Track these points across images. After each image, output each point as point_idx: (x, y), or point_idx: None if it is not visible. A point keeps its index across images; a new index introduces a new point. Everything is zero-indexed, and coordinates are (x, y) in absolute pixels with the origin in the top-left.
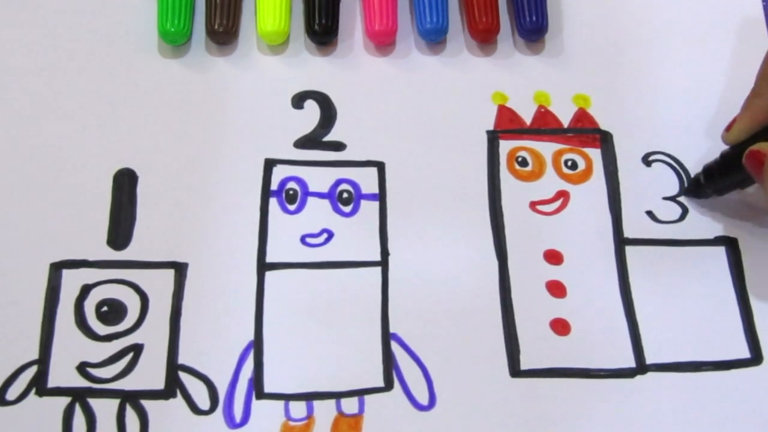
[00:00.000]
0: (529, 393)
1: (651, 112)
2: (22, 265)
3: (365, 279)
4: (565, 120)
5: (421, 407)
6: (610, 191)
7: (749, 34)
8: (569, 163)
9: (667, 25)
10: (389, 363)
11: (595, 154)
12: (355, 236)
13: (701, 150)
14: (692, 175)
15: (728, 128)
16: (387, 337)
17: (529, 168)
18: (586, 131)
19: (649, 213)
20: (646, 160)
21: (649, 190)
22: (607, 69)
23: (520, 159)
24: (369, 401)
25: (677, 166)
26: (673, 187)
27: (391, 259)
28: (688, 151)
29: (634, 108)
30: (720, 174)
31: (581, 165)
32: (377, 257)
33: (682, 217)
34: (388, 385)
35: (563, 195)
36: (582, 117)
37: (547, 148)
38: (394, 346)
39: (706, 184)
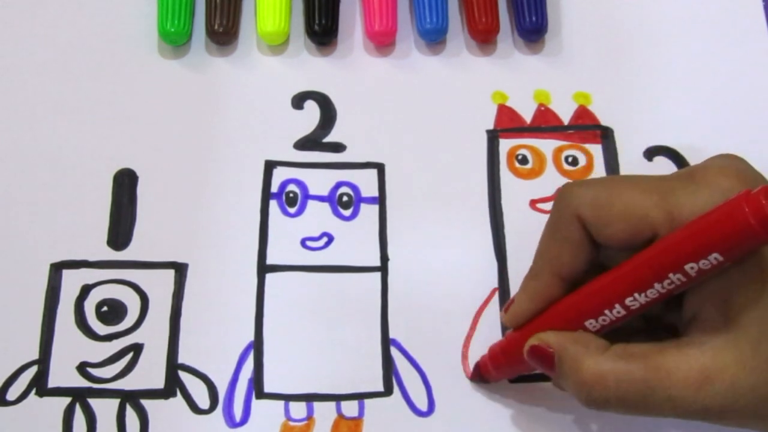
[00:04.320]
0: (528, 398)
1: (652, 108)
2: (22, 265)
3: (365, 284)
4: (566, 118)
5: (420, 413)
6: None
7: (749, 33)
8: (570, 160)
9: (667, 23)
10: (389, 368)
11: (596, 149)
12: (355, 240)
13: (702, 144)
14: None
15: (506, 308)
16: (387, 342)
17: (529, 165)
18: (586, 127)
19: None
20: (648, 155)
21: None
22: (607, 67)
23: (520, 157)
24: (369, 405)
25: (679, 161)
26: None
27: (390, 264)
28: (689, 146)
29: (635, 104)
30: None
31: (582, 161)
32: (377, 262)
33: None
34: (388, 390)
35: None
36: (583, 114)
37: (547, 145)
38: (394, 352)
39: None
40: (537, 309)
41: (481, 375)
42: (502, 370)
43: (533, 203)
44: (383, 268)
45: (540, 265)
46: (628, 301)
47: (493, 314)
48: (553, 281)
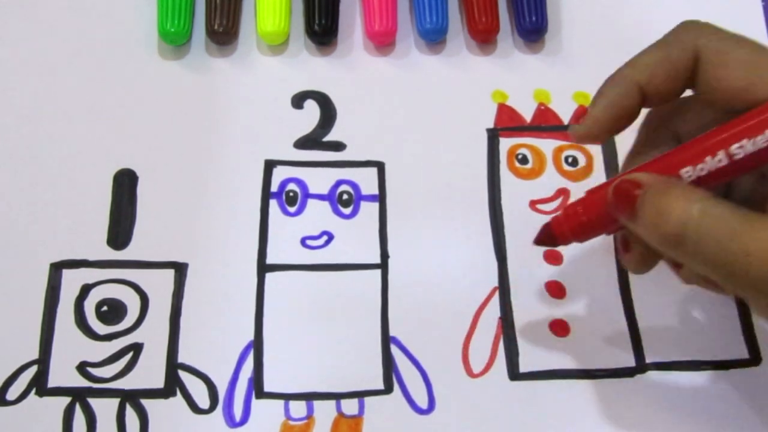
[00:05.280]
0: (529, 395)
1: None
2: (22, 265)
3: (365, 281)
4: (566, 117)
5: (420, 411)
6: None
7: (749, 34)
8: (570, 160)
9: (667, 23)
10: (389, 366)
11: (595, 150)
12: (355, 238)
13: None
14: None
15: (576, 117)
16: (387, 340)
17: (529, 165)
18: None
19: None
20: None
21: None
22: (607, 67)
23: (520, 156)
24: (369, 403)
25: None
26: None
27: (390, 262)
28: None
29: None
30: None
31: (582, 161)
32: (377, 260)
33: None
34: (388, 388)
35: (563, 193)
36: (582, 114)
37: (547, 145)
38: (394, 350)
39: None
40: (611, 118)
41: (551, 235)
42: (578, 228)
43: (533, 204)
44: (383, 265)
45: (625, 71)
46: (734, 147)
47: (494, 313)
48: (633, 90)
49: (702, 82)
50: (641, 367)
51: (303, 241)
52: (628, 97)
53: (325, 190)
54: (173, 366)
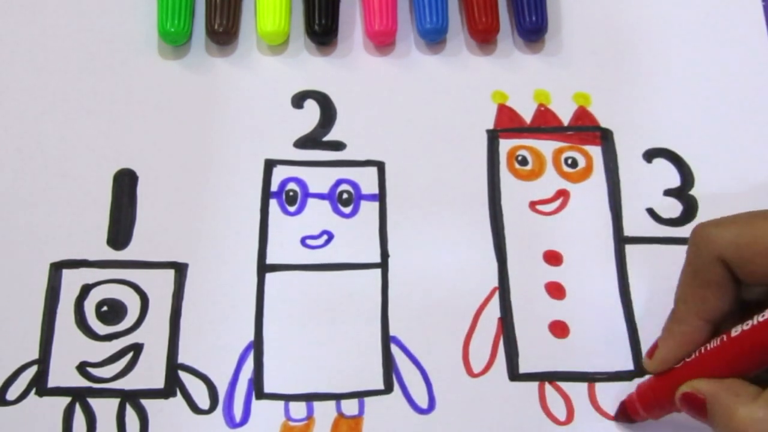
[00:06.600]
0: (528, 396)
1: (652, 109)
2: (22, 265)
3: (365, 281)
4: (566, 118)
5: (420, 410)
6: (611, 189)
7: (749, 35)
8: (569, 161)
9: (667, 23)
10: (389, 366)
11: (595, 151)
12: (355, 238)
13: (701, 146)
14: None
15: (650, 354)
16: (387, 339)
17: (529, 167)
18: (586, 129)
19: (650, 211)
20: (647, 157)
21: (650, 187)
22: (607, 67)
23: (520, 158)
24: (369, 403)
25: (678, 163)
26: (674, 183)
27: (390, 261)
28: (688, 148)
29: (635, 105)
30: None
31: (581, 163)
32: (377, 259)
33: (683, 215)
34: (388, 388)
35: (563, 194)
36: (582, 115)
37: (547, 146)
38: (394, 349)
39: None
40: (684, 354)
41: (627, 414)
42: (652, 412)
43: (533, 205)
44: (383, 265)
45: (684, 310)
46: None
47: (494, 312)
48: (700, 325)
49: (743, 279)
50: (640, 370)
51: (303, 241)
52: (694, 332)
53: (325, 189)
54: (173, 366)
